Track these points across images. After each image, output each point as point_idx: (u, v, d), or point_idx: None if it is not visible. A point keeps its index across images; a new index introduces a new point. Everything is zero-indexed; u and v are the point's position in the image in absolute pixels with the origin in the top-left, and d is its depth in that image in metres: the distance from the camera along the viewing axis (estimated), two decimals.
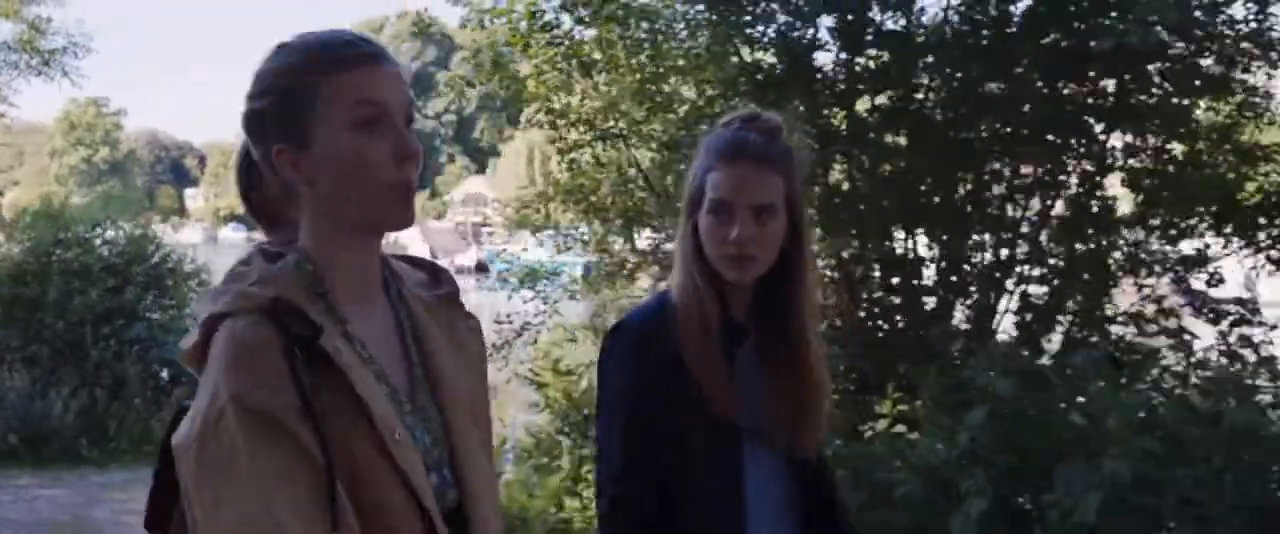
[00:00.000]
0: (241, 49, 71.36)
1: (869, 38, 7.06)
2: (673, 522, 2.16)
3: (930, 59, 6.92)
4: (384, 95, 1.49)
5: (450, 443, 1.59)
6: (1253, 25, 6.42)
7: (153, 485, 1.57)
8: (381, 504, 1.45)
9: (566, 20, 6.35)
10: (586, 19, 6.26)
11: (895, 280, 7.29)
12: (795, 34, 6.58)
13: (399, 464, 1.46)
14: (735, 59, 6.30)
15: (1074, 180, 7.25)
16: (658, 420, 2.16)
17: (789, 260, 2.19)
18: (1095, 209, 7.24)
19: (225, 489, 1.36)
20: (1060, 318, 7.21)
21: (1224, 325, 6.57)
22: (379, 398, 1.49)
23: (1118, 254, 7.26)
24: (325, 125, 1.48)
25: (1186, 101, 7.06)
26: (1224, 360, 6.31)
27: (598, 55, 6.47)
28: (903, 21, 7.15)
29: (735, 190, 2.12)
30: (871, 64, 6.90)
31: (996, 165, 7.29)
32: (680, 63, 6.25)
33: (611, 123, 6.40)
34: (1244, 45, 6.55)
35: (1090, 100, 7.15)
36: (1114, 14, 6.04)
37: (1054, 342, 7.10)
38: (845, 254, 6.85)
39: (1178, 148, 7.18)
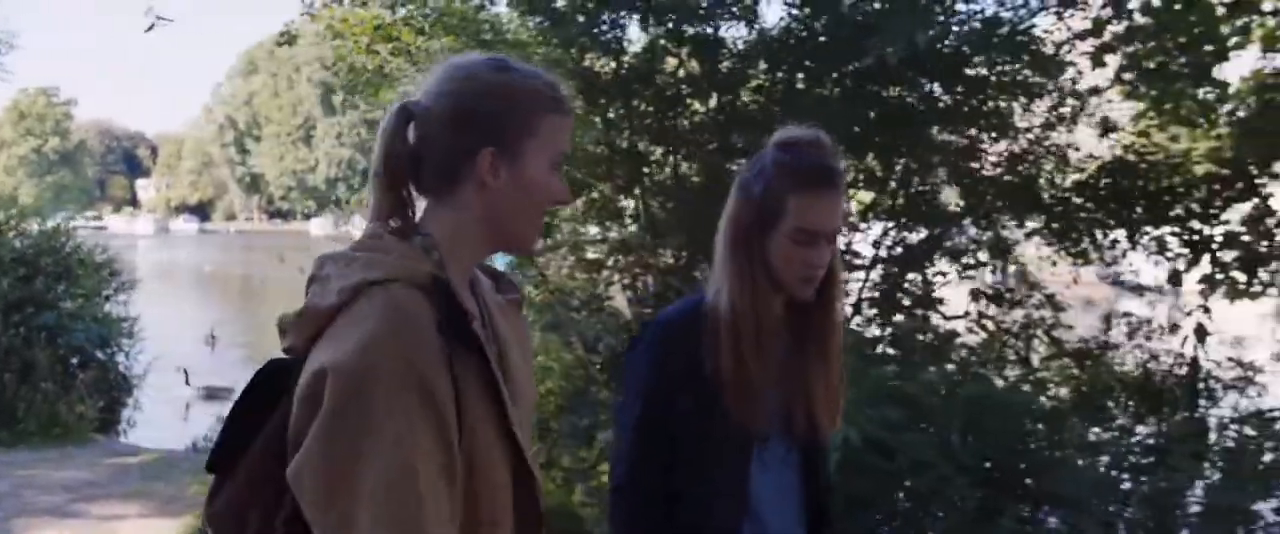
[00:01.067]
0: (192, 40, 70.98)
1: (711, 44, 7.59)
2: (674, 513, 2.25)
3: (765, 65, 7.46)
4: (568, 146, 1.68)
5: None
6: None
7: (225, 430, 1.61)
8: (492, 485, 1.54)
9: (406, 32, 6.82)
10: (427, 29, 6.76)
11: None
12: (632, 40, 7.12)
13: (522, 447, 1.59)
14: (572, 65, 6.81)
15: (898, 177, 7.84)
16: (674, 418, 2.23)
17: (830, 268, 2.26)
18: (921, 205, 7.84)
19: (374, 442, 1.40)
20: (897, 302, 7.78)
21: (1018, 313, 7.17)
22: (501, 383, 1.57)
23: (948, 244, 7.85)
24: (535, 154, 1.61)
25: (1006, 104, 7.66)
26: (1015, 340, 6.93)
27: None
28: (744, 30, 7.70)
29: (824, 220, 2.18)
30: (712, 68, 7.43)
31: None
32: None
33: None
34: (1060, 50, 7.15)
35: (922, 105, 7.74)
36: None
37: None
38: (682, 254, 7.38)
39: (999, 147, 7.78)
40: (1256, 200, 6.83)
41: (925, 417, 5.14)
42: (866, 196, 8.17)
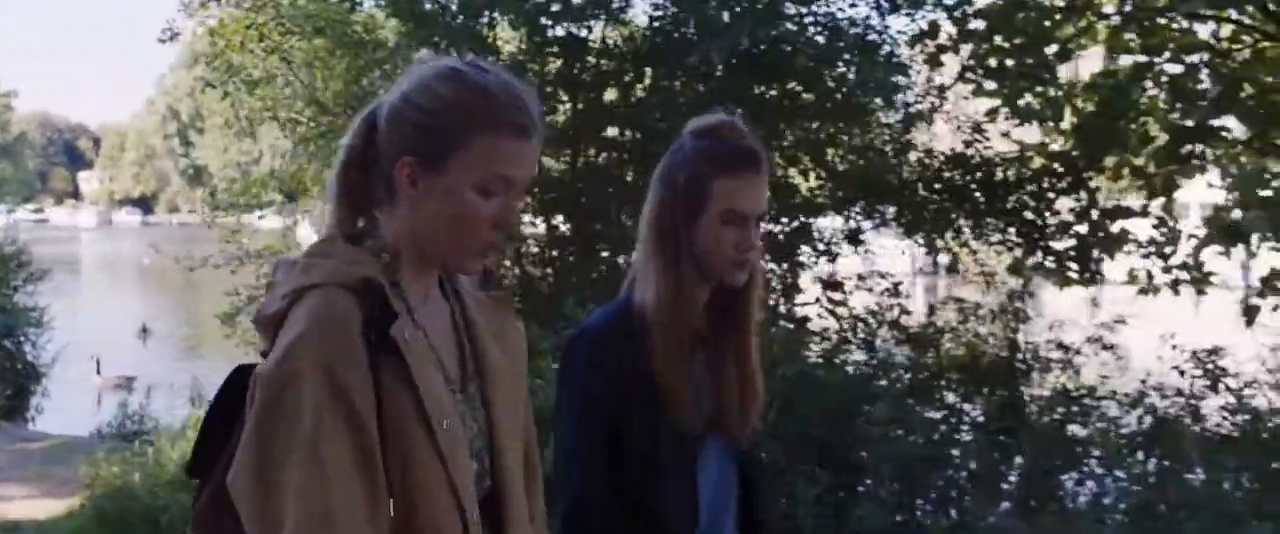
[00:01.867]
0: (136, 31, 70.28)
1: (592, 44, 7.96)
2: (632, 523, 2.21)
3: (631, 64, 7.85)
4: (515, 172, 1.58)
5: (491, 434, 1.66)
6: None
7: (200, 435, 1.62)
8: (423, 487, 1.52)
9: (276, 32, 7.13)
10: (297, 30, 7.06)
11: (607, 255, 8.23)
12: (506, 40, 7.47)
13: (442, 451, 1.54)
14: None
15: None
16: (620, 425, 2.18)
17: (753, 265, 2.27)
18: (787, 197, 8.25)
19: (290, 447, 1.43)
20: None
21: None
22: (434, 385, 1.56)
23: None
24: (459, 171, 1.55)
25: (864, 100, 8.09)
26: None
27: (315, 62, 7.31)
28: (618, 32, 8.08)
29: (750, 200, 2.15)
30: (578, 67, 7.81)
31: None
32: (387, 68, 7.11)
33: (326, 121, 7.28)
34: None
35: (786, 101, 8.15)
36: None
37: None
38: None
39: (854, 141, 8.21)
40: (1084, 193, 7.29)
41: None
42: None
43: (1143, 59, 7.28)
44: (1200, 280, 7.01)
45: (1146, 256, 7.25)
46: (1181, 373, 6.23)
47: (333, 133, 7.35)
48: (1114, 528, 5.59)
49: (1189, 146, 6.46)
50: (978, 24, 7.19)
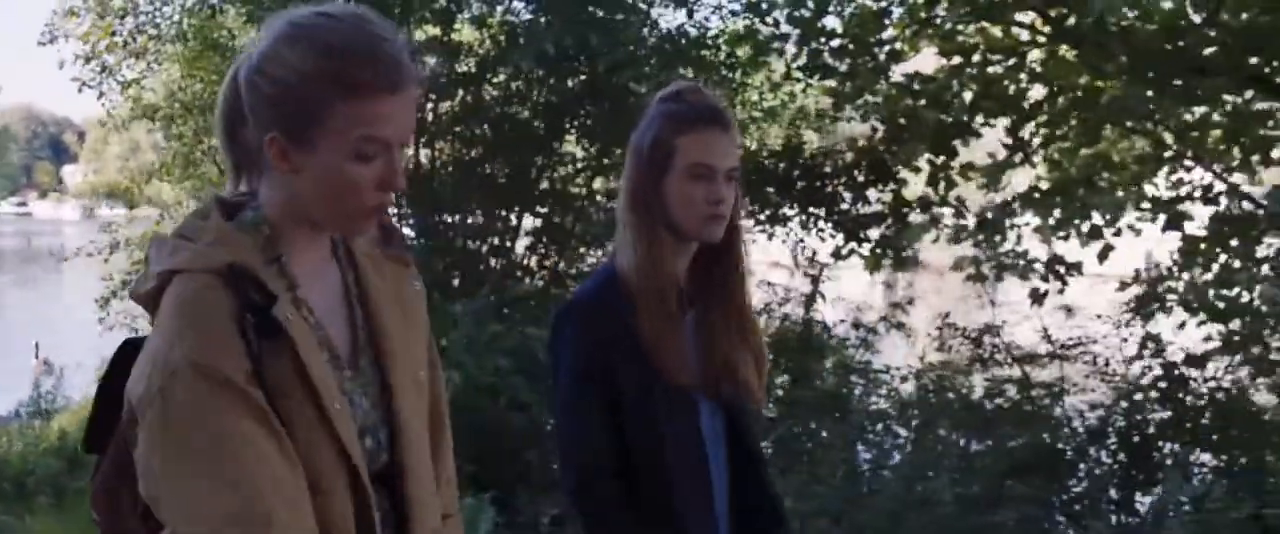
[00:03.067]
0: None
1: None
2: (639, 491, 2.20)
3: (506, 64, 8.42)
4: (389, 131, 1.46)
5: (389, 404, 1.59)
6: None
7: (93, 411, 1.58)
8: (316, 470, 1.46)
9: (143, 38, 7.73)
10: (160, 35, 7.65)
11: (483, 248, 8.82)
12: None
13: (337, 432, 1.47)
14: None
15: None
16: (616, 394, 2.18)
17: (731, 226, 2.24)
18: None
19: (197, 463, 1.37)
20: None
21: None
22: (321, 366, 1.48)
23: None
24: (327, 144, 1.45)
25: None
26: None
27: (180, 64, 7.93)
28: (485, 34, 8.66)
29: (716, 155, 2.16)
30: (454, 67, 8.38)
31: (560, 151, 8.87)
32: None
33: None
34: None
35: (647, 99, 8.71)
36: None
37: None
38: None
39: None
40: (893, 186, 7.87)
41: (534, 367, 6.12)
42: (599, 183, 9.18)
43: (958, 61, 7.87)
44: (1026, 267, 7.58)
45: (976, 245, 7.85)
46: (949, 349, 6.82)
47: (204, 130, 7.99)
48: (881, 488, 6.18)
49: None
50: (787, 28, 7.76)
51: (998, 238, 7.31)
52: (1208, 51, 6.29)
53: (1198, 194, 6.93)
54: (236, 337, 1.41)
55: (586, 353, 2.20)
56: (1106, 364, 6.53)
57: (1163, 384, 6.46)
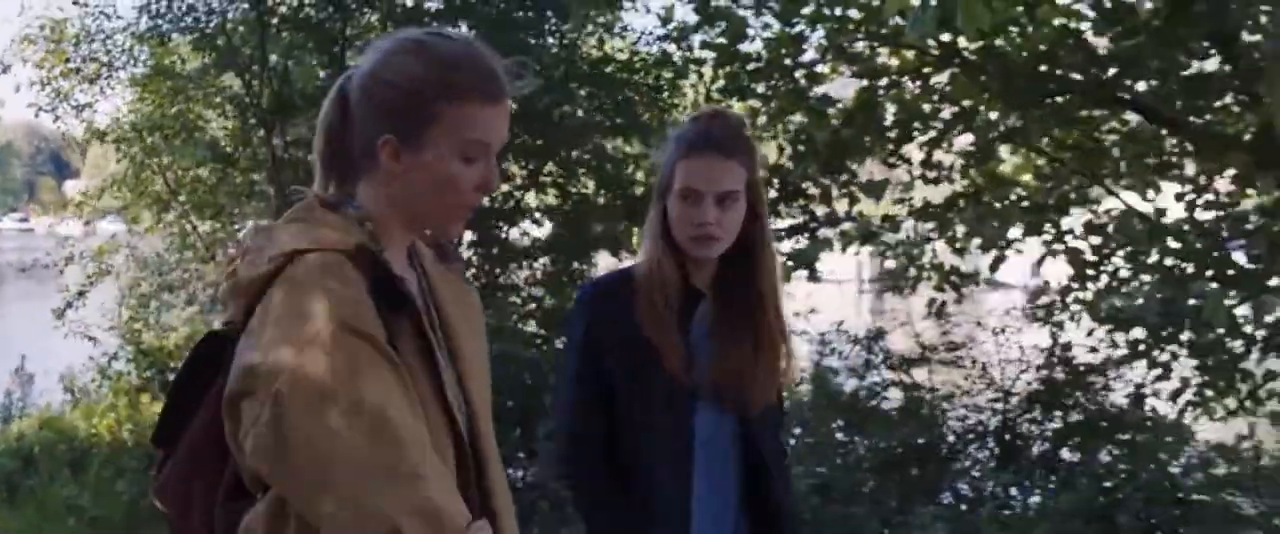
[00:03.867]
0: None
1: None
2: (622, 473, 2.34)
3: None
4: (492, 136, 1.62)
5: (466, 393, 1.69)
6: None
7: (167, 404, 1.62)
8: (436, 441, 1.54)
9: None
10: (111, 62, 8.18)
11: None
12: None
13: (449, 405, 1.58)
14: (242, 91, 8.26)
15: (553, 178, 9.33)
16: (610, 372, 2.35)
17: (749, 237, 2.36)
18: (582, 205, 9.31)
19: (353, 418, 1.41)
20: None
21: None
22: (434, 342, 1.60)
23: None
24: (439, 143, 1.58)
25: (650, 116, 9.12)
26: None
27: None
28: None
29: (703, 179, 2.30)
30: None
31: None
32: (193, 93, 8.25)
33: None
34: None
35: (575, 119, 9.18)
36: None
37: None
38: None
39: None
40: (801, 203, 8.31)
41: None
42: (532, 197, 9.65)
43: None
44: (944, 278, 8.01)
45: (897, 258, 8.28)
46: (841, 355, 7.25)
47: (152, 150, 8.50)
48: None
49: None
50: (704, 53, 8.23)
51: (916, 252, 7.78)
52: (1076, 75, 6.76)
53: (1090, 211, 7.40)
54: (373, 310, 1.49)
55: (591, 332, 2.38)
56: (983, 370, 6.98)
57: (1039, 388, 6.90)
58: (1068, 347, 7.02)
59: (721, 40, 8.07)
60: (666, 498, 2.32)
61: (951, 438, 6.72)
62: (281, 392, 1.41)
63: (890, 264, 8.13)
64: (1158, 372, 7.24)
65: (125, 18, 8.36)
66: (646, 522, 2.31)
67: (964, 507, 6.11)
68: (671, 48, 8.43)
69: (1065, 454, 6.57)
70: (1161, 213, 7.10)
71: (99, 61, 8.26)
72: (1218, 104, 6.93)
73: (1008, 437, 6.68)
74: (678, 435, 2.33)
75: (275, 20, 8.04)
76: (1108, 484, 5.65)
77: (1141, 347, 7.45)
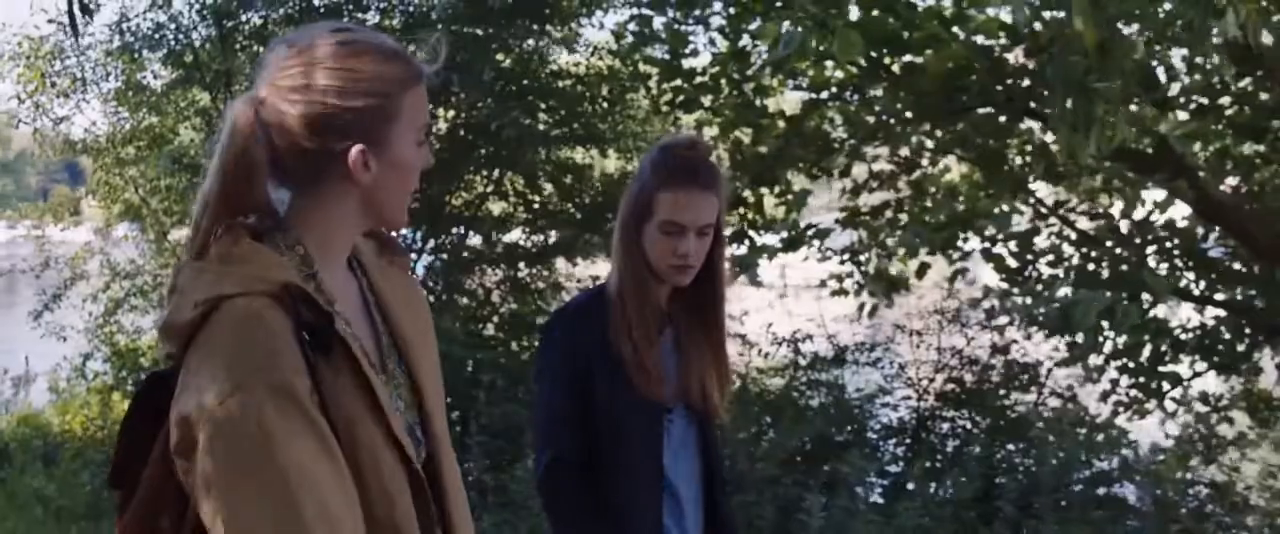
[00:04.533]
0: None
1: None
2: (598, 489, 2.43)
3: None
4: (427, 116, 1.62)
5: (420, 401, 1.64)
6: None
7: (118, 446, 1.58)
8: (383, 477, 1.51)
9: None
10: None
11: None
12: None
13: (398, 439, 1.53)
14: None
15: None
16: (586, 394, 2.42)
17: (713, 259, 2.46)
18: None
19: (264, 487, 1.38)
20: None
21: None
22: (375, 377, 1.53)
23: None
24: (401, 137, 1.56)
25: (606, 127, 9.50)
26: None
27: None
28: None
29: (688, 214, 2.37)
30: None
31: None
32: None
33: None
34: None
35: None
36: None
37: None
38: None
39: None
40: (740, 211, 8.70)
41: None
42: (496, 207, 10.05)
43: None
44: (885, 283, 8.34)
45: (842, 263, 8.65)
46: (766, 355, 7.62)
47: (123, 161, 9.01)
48: None
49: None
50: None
51: (863, 257, 8.14)
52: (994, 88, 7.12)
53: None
54: (300, 358, 1.44)
55: (567, 355, 2.47)
56: (901, 369, 7.36)
57: (952, 386, 7.28)
58: (1006, 349, 7.34)
59: (665, 56, 8.49)
60: (640, 508, 2.44)
61: (871, 435, 7.06)
62: (205, 463, 1.41)
63: (830, 269, 8.53)
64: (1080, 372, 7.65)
65: (97, 35, 8.87)
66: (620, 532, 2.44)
67: (877, 499, 6.48)
68: (618, 64, 8.87)
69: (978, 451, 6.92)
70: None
71: (74, 77, 8.70)
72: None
73: (922, 434, 7.03)
74: (651, 453, 2.44)
75: (239, 39, 8.49)
76: (1000, 480, 6.02)
77: (1074, 350, 7.85)
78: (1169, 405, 7.67)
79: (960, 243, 7.78)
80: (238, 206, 1.54)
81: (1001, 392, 7.29)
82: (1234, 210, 7.31)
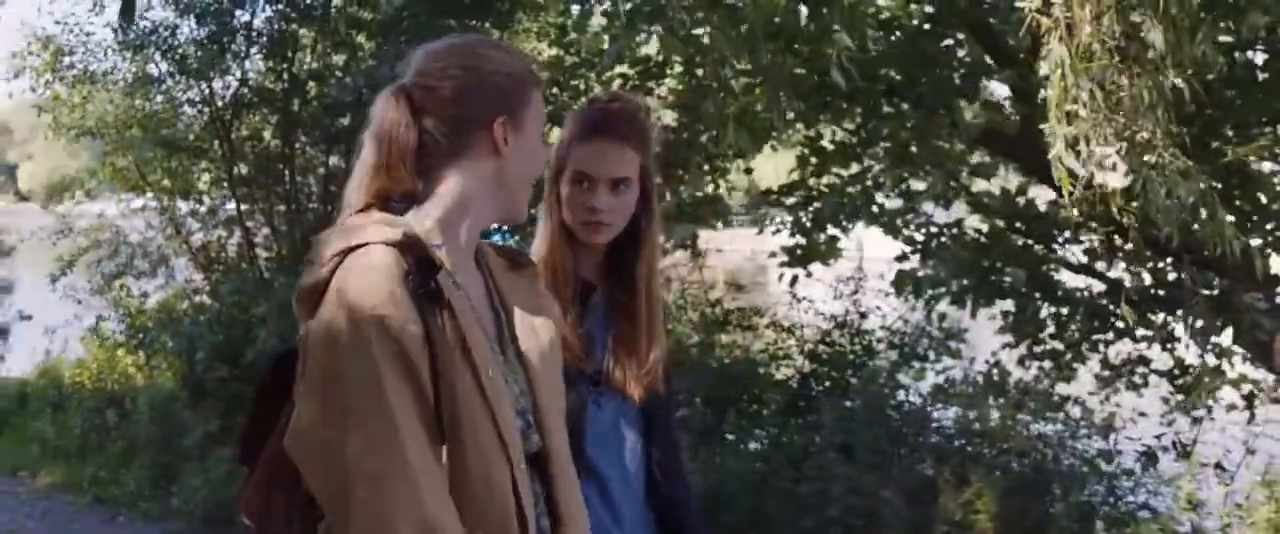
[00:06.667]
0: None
1: None
2: None
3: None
4: (545, 118, 1.80)
5: (534, 395, 1.73)
6: None
7: (245, 424, 1.69)
8: (471, 430, 1.56)
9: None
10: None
11: None
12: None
13: (489, 399, 1.59)
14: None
15: None
16: None
17: (638, 225, 2.34)
18: None
19: (353, 409, 1.48)
20: None
21: None
22: (477, 336, 1.62)
23: None
24: (532, 124, 1.75)
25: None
26: None
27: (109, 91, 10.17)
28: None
29: (595, 164, 2.27)
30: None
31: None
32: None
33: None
34: None
35: None
36: None
37: None
38: None
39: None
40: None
41: None
42: None
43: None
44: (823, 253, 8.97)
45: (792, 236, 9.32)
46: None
47: (124, 144, 10.17)
48: None
49: None
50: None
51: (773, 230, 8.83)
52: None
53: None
54: (410, 300, 1.53)
55: None
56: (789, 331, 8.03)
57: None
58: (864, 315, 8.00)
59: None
60: None
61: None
62: (309, 389, 1.53)
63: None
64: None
65: (99, 34, 10.07)
66: None
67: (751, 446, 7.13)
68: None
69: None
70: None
71: (84, 68, 9.92)
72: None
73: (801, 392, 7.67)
74: (572, 427, 2.26)
75: (237, 38, 9.55)
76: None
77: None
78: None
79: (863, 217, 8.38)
80: (387, 188, 1.66)
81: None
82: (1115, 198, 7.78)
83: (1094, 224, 7.92)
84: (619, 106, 2.36)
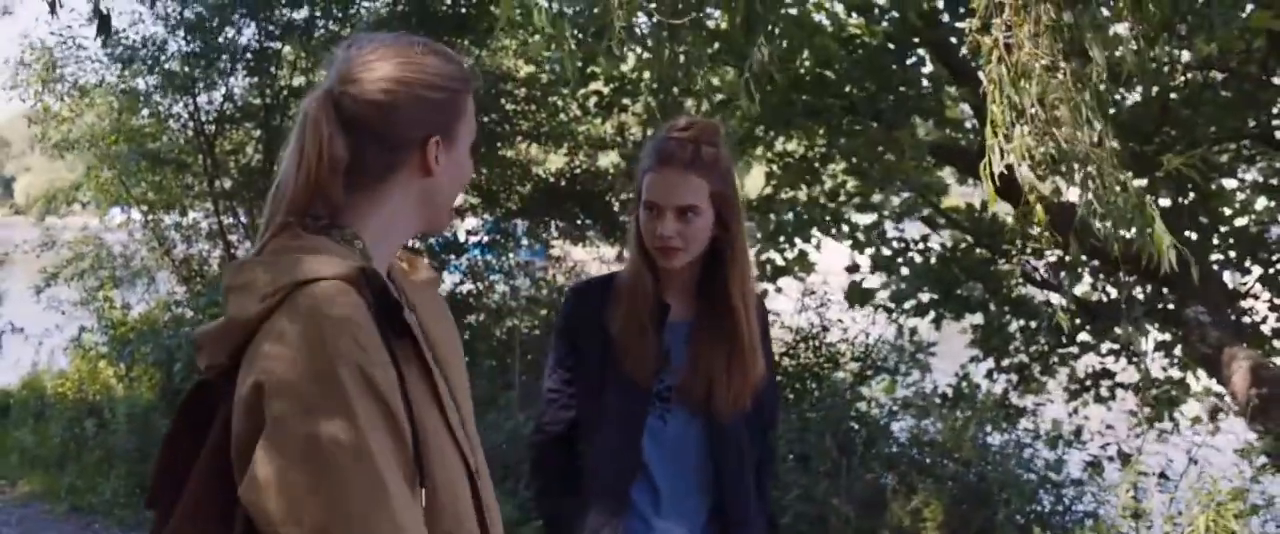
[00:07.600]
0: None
1: None
2: (577, 459, 2.47)
3: None
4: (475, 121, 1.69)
5: (459, 409, 1.65)
6: None
7: (160, 456, 1.55)
8: (447, 468, 1.52)
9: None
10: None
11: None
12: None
13: (454, 431, 1.56)
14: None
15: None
16: (578, 370, 2.47)
17: (720, 248, 2.40)
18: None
19: (333, 457, 1.35)
20: None
21: None
22: (436, 368, 1.57)
23: None
24: (464, 136, 1.64)
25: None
26: None
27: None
28: None
29: (662, 194, 2.34)
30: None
31: None
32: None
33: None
34: None
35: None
36: None
37: None
38: None
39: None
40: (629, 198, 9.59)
41: None
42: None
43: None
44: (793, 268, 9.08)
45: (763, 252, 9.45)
46: None
47: (111, 157, 10.32)
48: None
49: None
50: None
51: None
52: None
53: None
54: (381, 342, 1.43)
55: (562, 332, 2.54)
56: None
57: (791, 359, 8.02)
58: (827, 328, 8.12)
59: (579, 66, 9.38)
60: (605, 489, 2.42)
61: None
62: (279, 426, 1.38)
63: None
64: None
65: (89, 48, 10.23)
66: (582, 510, 2.43)
67: None
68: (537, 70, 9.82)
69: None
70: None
71: (74, 83, 10.09)
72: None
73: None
74: (628, 433, 2.40)
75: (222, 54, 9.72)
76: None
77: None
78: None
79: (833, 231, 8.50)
80: (312, 203, 1.54)
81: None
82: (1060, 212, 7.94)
83: (1046, 236, 8.10)
84: (687, 134, 2.39)
